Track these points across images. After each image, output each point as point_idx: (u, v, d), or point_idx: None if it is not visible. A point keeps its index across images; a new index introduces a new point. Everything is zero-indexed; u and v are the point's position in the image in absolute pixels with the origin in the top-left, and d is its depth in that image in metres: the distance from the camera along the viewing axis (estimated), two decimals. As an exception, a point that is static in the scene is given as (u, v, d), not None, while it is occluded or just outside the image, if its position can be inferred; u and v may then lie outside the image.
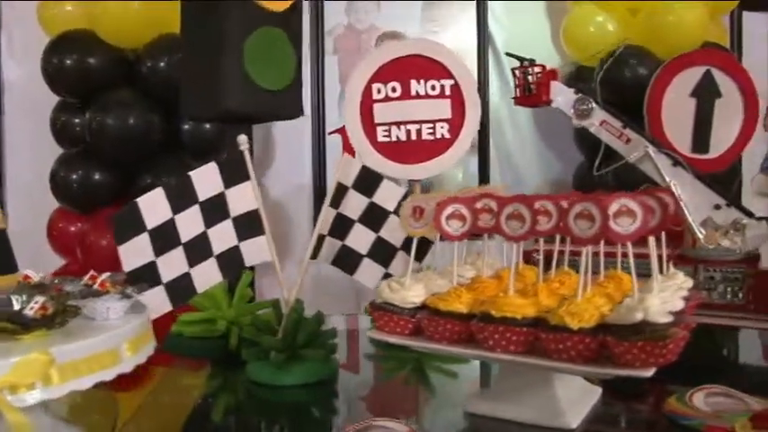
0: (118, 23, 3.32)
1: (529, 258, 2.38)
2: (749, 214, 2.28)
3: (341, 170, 2.19)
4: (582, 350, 1.53)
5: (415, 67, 2.45)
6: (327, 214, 2.20)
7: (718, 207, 2.31)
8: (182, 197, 1.98)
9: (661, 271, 1.87)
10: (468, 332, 1.68)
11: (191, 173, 2.00)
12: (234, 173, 2.05)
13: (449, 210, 1.76)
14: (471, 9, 4.18)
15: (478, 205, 1.77)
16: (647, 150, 2.34)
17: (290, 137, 4.05)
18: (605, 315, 1.57)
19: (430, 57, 2.45)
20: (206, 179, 2.02)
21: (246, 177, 2.07)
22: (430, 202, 1.79)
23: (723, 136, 2.67)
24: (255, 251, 2.11)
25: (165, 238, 1.95)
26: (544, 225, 1.67)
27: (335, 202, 2.20)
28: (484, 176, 4.05)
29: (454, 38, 4.13)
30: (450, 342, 1.71)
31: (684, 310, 1.67)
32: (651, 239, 1.68)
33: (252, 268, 2.47)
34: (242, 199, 2.07)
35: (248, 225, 2.09)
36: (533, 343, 1.61)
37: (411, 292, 1.77)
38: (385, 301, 1.78)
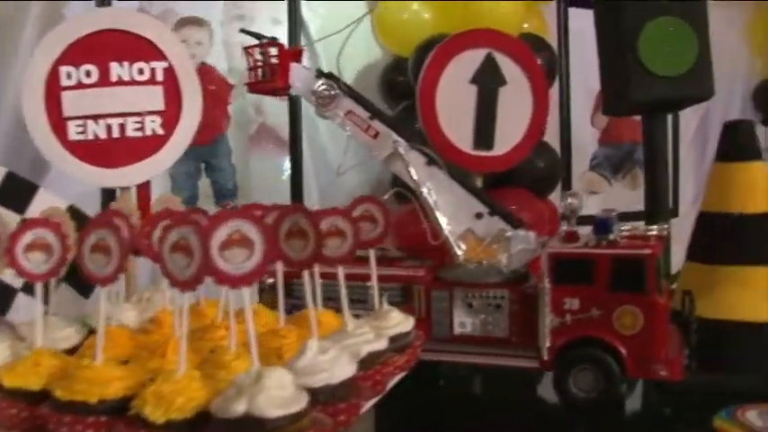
0: None
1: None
2: (516, 225, 1.72)
3: (-30, 178, 1.53)
4: (174, 455, 0.92)
5: (117, 46, 1.82)
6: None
7: (479, 216, 1.76)
8: None
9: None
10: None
11: None
12: None
13: (28, 237, 1.12)
14: (282, -7, 3.53)
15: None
16: (396, 147, 1.76)
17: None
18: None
19: (135, 32, 1.81)
20: None
21: None
22: (7, 227, 1.14)
23: (510, 130, 2.13)
24: None
25: None
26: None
27: (-34, 221, 1.53)
28: (296, 176, 3.42)
29: (262, 25, 3.48)
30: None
31: (363, 376, 1.10)
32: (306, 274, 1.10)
33: None
34: None
35: None
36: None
37: (-21, 356, 1.12)
38: (-59, 370, 1.13)
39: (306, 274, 1.12)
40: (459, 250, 1.73)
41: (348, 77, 3.49)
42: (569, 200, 1.69)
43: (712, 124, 4.08)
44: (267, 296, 1.76)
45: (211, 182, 3.33)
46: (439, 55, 2.09)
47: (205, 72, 3.28)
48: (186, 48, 3.32)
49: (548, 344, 1.60)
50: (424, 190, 1.74)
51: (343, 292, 1.21)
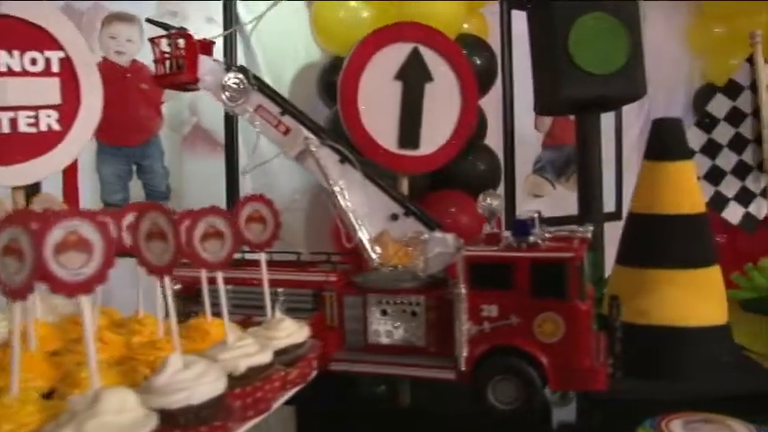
0: None
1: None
2: (432, 226, 1.61)
3: None
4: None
5: (6, 34, 1.65)
6: None
7: (395, 217, 1.65)
8: None
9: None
10: None
11: None
12: None
13: None
14: (217, -10, 3.39)
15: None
16: (308, 144, 1.64)
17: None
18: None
19: (26, 19, 1.66)
20: None
21: None
22: None
23: (437, 129, 2.03)
24: None
25: None
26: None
27: None
28: (232, 178, 3.27)
29: (197, 23, 3.32)
30: None
31: (240, 394, 0.97)
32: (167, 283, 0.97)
33: None
34: None
35: None
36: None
37: None
38: None
39: (166, 279, 0.99)
40: (374, 254, 1.62)
41: (288, 78, 3.37)
42: (488, 200, 1.58)
43: (655, 127, 4.04)
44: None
45: (143, 184, 3.17)
46: (361, 48, 1.98)
47: (136, 70, 3.13)
48: (117, 44, 3.19)
49: (465, 353, 1.49)
50: (337, 189, 1.63)
51: (223, 300, 1.08)
